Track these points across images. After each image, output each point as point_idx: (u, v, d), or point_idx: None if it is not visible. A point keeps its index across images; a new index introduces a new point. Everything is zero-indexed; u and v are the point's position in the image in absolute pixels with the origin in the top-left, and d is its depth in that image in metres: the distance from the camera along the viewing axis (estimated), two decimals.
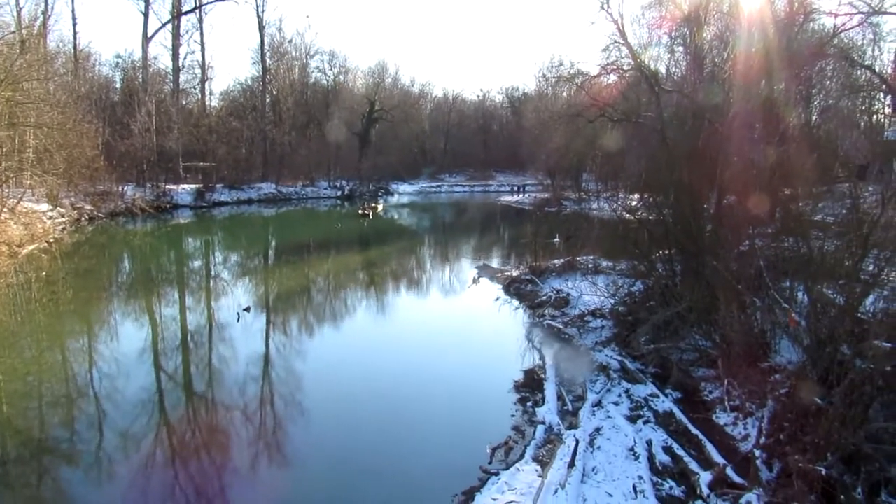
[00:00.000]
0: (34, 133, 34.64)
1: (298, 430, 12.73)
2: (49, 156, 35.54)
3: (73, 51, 57.15)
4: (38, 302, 22.69)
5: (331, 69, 78.97)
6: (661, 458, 10.95)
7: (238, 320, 20.14)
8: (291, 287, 27.63)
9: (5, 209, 32.03)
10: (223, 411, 13.82)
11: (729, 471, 10.09)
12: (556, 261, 26.62)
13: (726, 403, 12.64)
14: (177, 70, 65.10)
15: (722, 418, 12.40)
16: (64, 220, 39.44)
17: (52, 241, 32.99)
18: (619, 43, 24.84)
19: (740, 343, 13.10)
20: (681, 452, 11.03)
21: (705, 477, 10.03)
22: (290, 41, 73.66)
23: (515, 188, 79.24)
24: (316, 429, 12.79)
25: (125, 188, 50.15)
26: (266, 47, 68.91)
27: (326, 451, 11.74)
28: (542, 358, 16.74)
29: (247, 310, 21.20)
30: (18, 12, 47.49)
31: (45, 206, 38.39)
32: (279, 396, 14.70)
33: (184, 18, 64.92)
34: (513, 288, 24.93)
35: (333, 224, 50.18)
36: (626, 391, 14.03)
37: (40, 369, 16.11)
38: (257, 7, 70.74)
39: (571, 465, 10.40)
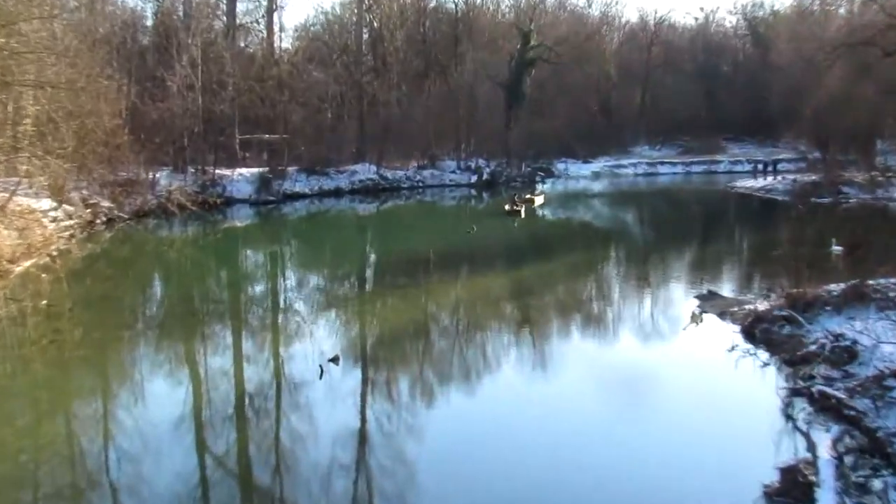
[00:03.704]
0: (34, 96, 37.22)
1: None
2: (54, 128, 37.83)
3: None
4: (35, 344, 24.44)
5: None
6: None
7: (321, 376, 20.73)
8: (400, 326, 28.18)
9: None
10: None
11: None
12: (831, 286, 25.40)
13: None
14: None
15: None
16: (72, 222, 42.32)
17: (55, 253, 35.37)
18: None
19: None
20: None
21: None
22: None
23: (760, 166, 76.99)
24: None
25: (157, 175, 53.25)
26: None
27: None
28: (810, 447, 15.92)
29: (334, 360, 21.75)
30: None
31: (46, 204, 41.25)
32: (381, 497, 14.90)
33: None
34: (758, 330, 24.07)
35: (465, 228, 50.57)
36: None
37: (37, 444, 17.27)
38: None
39: None
